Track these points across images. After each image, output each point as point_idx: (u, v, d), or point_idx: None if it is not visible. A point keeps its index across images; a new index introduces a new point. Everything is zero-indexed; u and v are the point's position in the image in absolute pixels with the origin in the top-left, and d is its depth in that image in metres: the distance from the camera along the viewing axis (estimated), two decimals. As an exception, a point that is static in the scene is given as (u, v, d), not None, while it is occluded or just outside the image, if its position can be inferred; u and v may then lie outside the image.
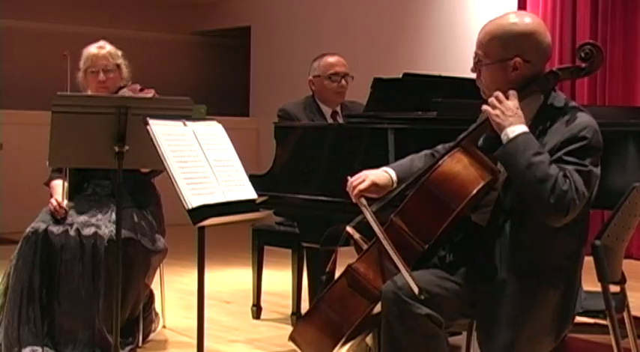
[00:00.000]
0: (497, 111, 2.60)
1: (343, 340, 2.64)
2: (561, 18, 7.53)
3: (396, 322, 2.55)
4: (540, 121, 2.64)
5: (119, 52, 4.21)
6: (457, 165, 2.63)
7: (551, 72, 2.68)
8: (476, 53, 2.72)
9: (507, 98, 2.61)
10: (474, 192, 2.60)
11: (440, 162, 2.64)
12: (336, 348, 2.65)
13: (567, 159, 2.54)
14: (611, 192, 3.34)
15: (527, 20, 2.69)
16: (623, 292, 2.94)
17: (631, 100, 7.19)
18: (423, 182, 2.64)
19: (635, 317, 3.00)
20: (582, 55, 2.67)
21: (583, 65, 2.69)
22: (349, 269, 2.68)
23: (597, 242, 2.73)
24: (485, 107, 2.64)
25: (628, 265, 3.14)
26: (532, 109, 2.67)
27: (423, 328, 2.54)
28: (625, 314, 2.91)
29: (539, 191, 2.49)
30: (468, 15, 8.04)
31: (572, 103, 2.70)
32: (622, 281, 2.93)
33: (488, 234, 2.67)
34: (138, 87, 4.12)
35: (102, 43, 4.22)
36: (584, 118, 2.60)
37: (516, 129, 2.56)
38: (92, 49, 4.18)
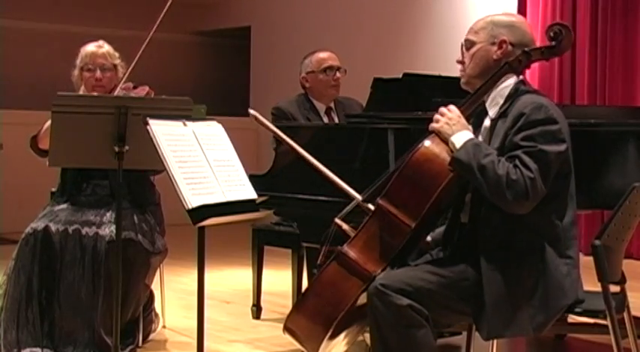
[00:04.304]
0: (441, 124, 2.76)
1: (333, 327, 2.66)
2: (561, 18, 7.52)
3: (381, 316, 2.61)
4: (505, 106, 2.76)
5: (117, 53, 4.21)
6: (437, 146, 2.74)
7: (523, 52, 2.80)
8: (465, 39, 2.87)
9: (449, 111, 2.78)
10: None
11: (420, 145, 2.74)
12: (327, 335, 2.67)
13: (516, 141, 2.66)
14: (611, 192, 3.35)
15: (517, 16, 2.99)
16: (623, 292, 2.94)
17: (631, 100, 7.18)
18: (406, 163, 2.73)
19: (635, 317, 2.99)
20: (551, 34, 2.83)
21: (552, 43, 2.82)
22: (339, 253, 2.73)
23: (597, 242, 2.73)
24: (431, 125, 2.79)
25: (628, 265, 3.14)
26: (503, 95, 2.80)
27: (407, 319, 2.60)
28: (625, 314, 2.91)
29: (495, 192, 2.61)
30: (468, 15, 8.03)
31: (532, 88, 2.83)
32: (622, 281, 2.93)
33: (471, 227, 2.77)
34: (131, 85, 4.11)
35: (100, 42, 4.21)
36: (531, 98, 2.73)
37: (460, 136, 2.71)
38: (90, 47, 4.18)
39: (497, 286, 2.64)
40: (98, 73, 4.11)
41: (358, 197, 2.91)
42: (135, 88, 4.11)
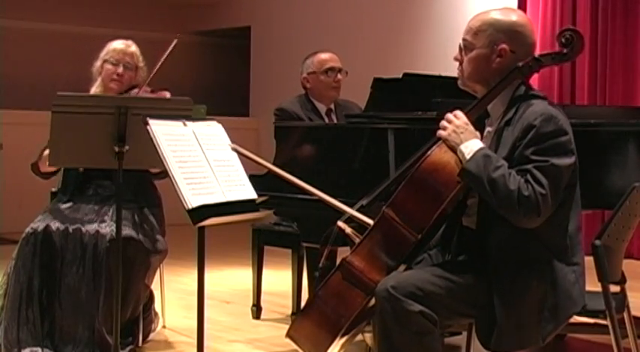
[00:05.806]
0: (448, 131, 2.69)
1: (341, 333, 2.65)
2: (561, 18, 7.53)
3: (390, 320, 2.57)
4: (507, 112, 2.71)
5: (141, 56, 4.25)
6: (445, 154, 2.68)
7: (533, 58, 2.74)
8: (464, 39, 2.80)
9: (456, 117, 2.71)
10: None
11: (429, 153, 2.69)
12: (335, 341, 2.66)
13: (527, 155, 2.60)
14: (611, 192, 3.35)
15: (518, 15, 2.82)
16: (623, 292, 2.94)
17: (631, 100, 7.19)
18: (413, 172, 2.68)
19: (635, 317, 2.99)
20: (563, 40, 2.76)
21: (564, 51, 2.76)
22: (343, 263, 2.70)
23: (597, 242, 2.73)
24: (438, 132, 2.72)
25: (628, 265, 3.14)
26: (505, 101, 2.75)
27: (417, 325, 2.56)
28: (625, 314, 2.91)
29: (506, 207, 2.57)
30: (468, 15, 8.01)
31: (533, 92, 2.76)
32: (622, 281, 2.94)
33: (478, 235, 2.73)
34: (149, 89, 4.12)
35: (129, 41, 4.29)
36: (538, 107, 2.66)
37: (470, 145, 2.65)
38: (119, 44, 4.24)
39: (508, 300, 2.61)
40: (120, 69, 4.16)
41: (350, 211, 2.87)
42: (152, 92, 4.12)
